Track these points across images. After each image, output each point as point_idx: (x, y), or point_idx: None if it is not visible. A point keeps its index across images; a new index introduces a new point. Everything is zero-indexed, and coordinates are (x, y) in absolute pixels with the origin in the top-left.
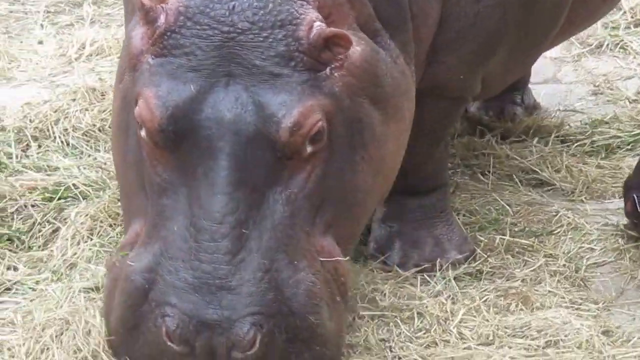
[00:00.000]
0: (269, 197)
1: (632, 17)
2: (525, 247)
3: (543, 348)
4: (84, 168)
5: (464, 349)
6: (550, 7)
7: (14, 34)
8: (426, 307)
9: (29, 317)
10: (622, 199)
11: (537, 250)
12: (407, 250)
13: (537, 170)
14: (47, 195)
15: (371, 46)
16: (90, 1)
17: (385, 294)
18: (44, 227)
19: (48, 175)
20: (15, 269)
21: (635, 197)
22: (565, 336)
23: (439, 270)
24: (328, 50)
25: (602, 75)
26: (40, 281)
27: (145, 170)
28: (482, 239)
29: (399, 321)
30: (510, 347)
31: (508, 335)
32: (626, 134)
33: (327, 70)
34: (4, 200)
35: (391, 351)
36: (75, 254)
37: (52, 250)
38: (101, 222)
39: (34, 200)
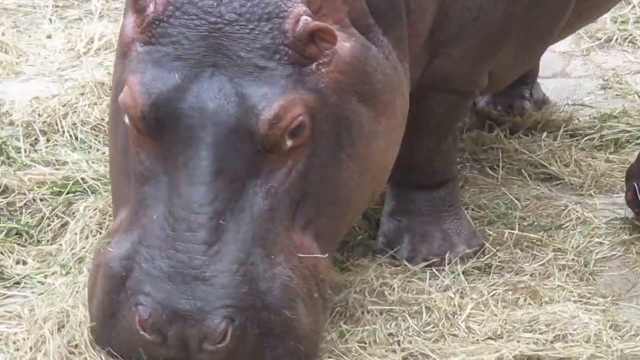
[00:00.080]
0: (249, 189)
1: None
2: (534, 241)
3: (551, 342)
4: (93, 162)
5: (473, 343)
6: (556, 0)
7: (22, 29)
8: (434, 301)
9: (35, 311)
10: None
11: (546, 244)
12: (416, 245)
13: (546, 164)
14: (55, 189)
15: (361, 42)
16: None
17: (393, 288)
18: (53, 221)
19: (57, 169)
20: (24, 263)
21: (636, 186)
22: (574, 330)
23: (448, 264)
24: (314, 45)
25: (611, 69)
26: (48, 275)
27: (130, 157)
28: (490, 233)
29: (407, 315)
30: (518, 342)
31: (516, 330)
32: (635, 128)
33: (314, 65)
34: (13, 195)
35: (399, 345)
36: (84, 248)
37: (60, 245)
38: (110, 216)
39: (43, 195)
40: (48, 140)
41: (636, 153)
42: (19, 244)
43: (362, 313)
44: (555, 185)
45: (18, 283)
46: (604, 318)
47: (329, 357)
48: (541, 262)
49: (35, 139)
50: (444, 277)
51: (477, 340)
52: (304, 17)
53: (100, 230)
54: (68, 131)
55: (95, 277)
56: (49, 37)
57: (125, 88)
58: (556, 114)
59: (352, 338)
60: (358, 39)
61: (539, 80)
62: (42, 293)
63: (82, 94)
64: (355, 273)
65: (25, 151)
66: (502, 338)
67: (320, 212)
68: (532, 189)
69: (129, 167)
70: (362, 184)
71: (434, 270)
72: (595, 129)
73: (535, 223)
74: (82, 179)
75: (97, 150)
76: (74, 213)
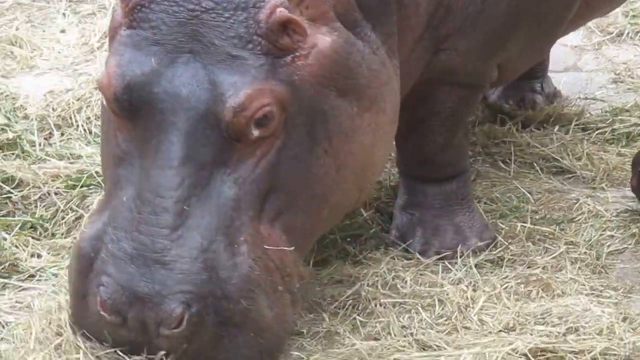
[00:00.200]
0: (216, 177)
1: None
2: (546, 234)
3: (564, 335)
4: None
5: (485, 335)
6: None
7: (36, 23)
8: (447, 294)
9: (47, 302)
10: None
11: (558, 237)
12: (429, 238)
13: (558, 158)
14: (70, 183)
15: (345, 37)
16: None
17: (406, 281)
18: (67, 215)
19: (71, 163)
20: (39, 256)
21: None
22: (586, 323)
23: (460, 257)
24: (287, 36)
25: (623, 63)
26: (63, 268)
27: (110, 140)
28: (503, 226)
29: (420, 308)
30: (531, 334)
31: (529, 322)
32: None
33: (289, 57)
34: (28, 188)
35: (412, 337)
36: None
37: (75, 238)
38: None
39: (57, 188)
40: (62, 134)
41: None
42: (33, 237)
43: (375, 306)
44: (567, 179)
45: (33, 276)
46: (616, 311)
47: (341, 350)
48: (553, 255)
49: (50, 133)
50: (456, 270)
51: (490, 332)
52: (279, 9)
53: None
54: (82, 125)
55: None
56: (63, 31)
57: (103, 69)
58: (568, 108)
59: (365, 330)
60: (341, 34)
61: (550, 74)
62: (55, 285)
63: (96, 88)
64: (368, 266)
65: (39, 145)
66: (514, 331)
67: (292, 206)
68: (544, 183)
69: (110, 150)
70: (341, 180)
71: (447, 263)
72: (607, 122)
73: (548, 216)
74: (96, 172)
75: None
76: (88, 206)
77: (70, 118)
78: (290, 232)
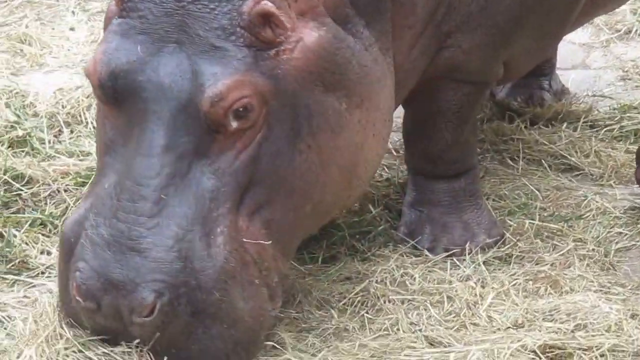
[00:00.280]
0: (196, 167)
1: None
2: (554, 231)
3: (572, 331)
4: None
5: (494, 332)
6: None
7: (45, 21)
8: (456, 291)
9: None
10: None
11: (566, 234)
12: (437, 235)
13: (566, 155)
14: (79, 180)
15: (334, 32)
16: None
17: (415, 278)
18: None
19: (80, 160)
20: (49, 253)
21: None
22: (594, 320)
23: (469, 254)
24: (269, 29)
25: (631, 60)
26: None
27: (99, 128)
28: (511, 223)
29: (428, 305)
30: (539, 331)
31: (537, 319)
32: None
33: (273, 51)
34: (37, 185)
35: (421, 333)
36: None
37: None
38: None
39: (67, 185)
40: (72, 132)
41: None
42: (43, 234)
43: (384, 302)
44: (576, 176)
45: (43, 273)
46: (624, 307)
47: (351, 345)
48: (561, 252)
49: (59, 130)
50: (465, 267)
51: (499, 329)
52: (263, 1)
53: None
54: (91, 122)
55: None
56: (72, 29)
57: (91, 56)
58: (576, 105)
59: (374, 327)
60: (330, 29)
61: (559, 71)
62: None
63: None
64: (377, 263)
65: (49, 142)
66: (523, 327)
67: (272, 200)
68: (552, 180)
69: (99, 138)
70: (326, 177)
71: (455, 260)
72: (615, 119)
73: (556, 213)
74: None
75: None
76: None
77: (80, 115)
78: (271, 227)
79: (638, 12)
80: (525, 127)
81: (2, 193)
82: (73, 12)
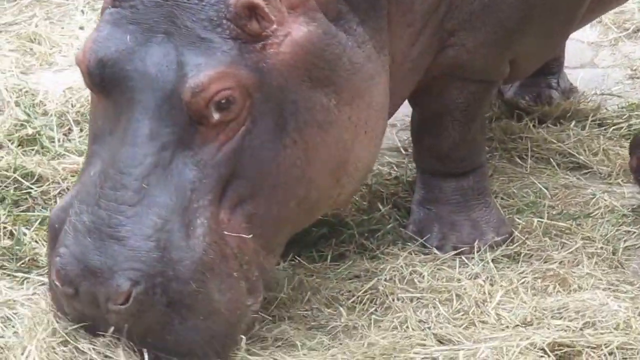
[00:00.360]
0: (178, 158)
1: None
2: (563, 229)
3: (580, 329)
4: None
5: (503, 330)
6: None
7: (55, 20)
8: (464, 289)
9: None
10: None
11: (575, 232)
12: (446, 233)
13: (574, 153)
14: None
15: (325, 28)
16: None
17: (423, 276)
18: None
19: None
20: None
21: None
22: (603, 318)
23: (477, 252)
24: (255, 22)
25: (639, 59)
26: None
27: (90, 117)
28: (519, 221)
29: (437, 303)
30: (548, 329)
31: (546, 317)
32: None
33: (259, 44)
34: (47, 184)
35: (430, 331)
36: None
37: None
38: None
39: None
40: (81, 130)
41: None
42: None
43: (393, 300)
44: (584, 174)
45: None
46: (633, 305)
47: (360, 343)
48: (570, 250)
49: (69, 128)
50: (473, 265)
51: (507, 327)
52: None
53: None
54: None
55: None
56: (81, 28)
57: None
58: (584, 104)
59: (383, 325)
60: (321, 24)
61: (567, 70)
62: None
63: None
64: (386, 261)
65: (59, 141)
66: (531, 325)
67: (255, 194)
68: (560, 178)
69: (90, 127)
70: (312, 173)
71: (464, 258)
72: (623, 118)
73: (564, 211)
74: None
75: None
76: None
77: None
78: (253, 221)
79: None
80: (534, 125)
81: (12, 191)
82: (82, 11)
